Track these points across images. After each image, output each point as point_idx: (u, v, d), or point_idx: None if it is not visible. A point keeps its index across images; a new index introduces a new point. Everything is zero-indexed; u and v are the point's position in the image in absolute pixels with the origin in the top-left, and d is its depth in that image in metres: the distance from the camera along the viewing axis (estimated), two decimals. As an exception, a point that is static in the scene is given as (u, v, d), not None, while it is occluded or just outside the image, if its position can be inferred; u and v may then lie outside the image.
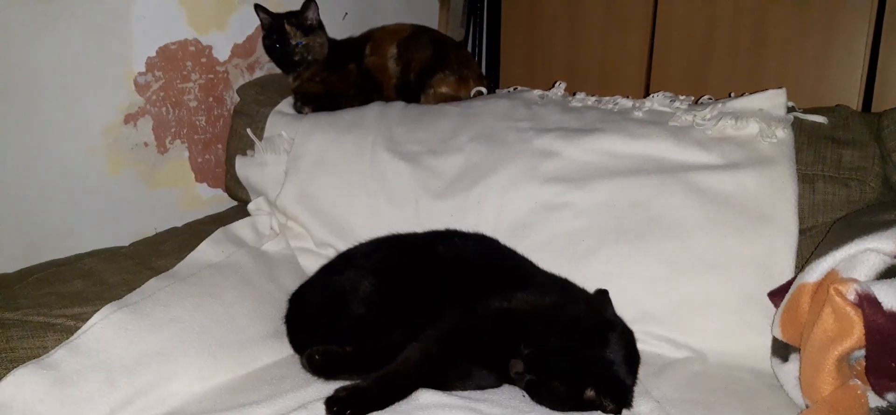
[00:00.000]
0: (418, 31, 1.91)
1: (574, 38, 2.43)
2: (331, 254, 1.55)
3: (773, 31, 2.09)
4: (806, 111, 1.51)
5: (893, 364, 0.97)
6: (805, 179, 1.41)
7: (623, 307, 1.20)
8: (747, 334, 1.30)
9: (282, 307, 1.37)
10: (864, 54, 1.97)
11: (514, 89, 1.88)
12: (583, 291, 1.27)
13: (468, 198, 1.53)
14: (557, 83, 1.80)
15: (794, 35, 2.06)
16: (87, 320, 1.17)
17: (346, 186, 1.62)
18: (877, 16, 1.95)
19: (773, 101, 1.50)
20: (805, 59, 2.06)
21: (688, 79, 2.21)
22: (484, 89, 1.88)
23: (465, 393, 1.11)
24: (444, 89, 1.84)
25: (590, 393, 1.05)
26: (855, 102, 1.99)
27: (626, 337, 1.14)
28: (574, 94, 1.77)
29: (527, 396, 1.10)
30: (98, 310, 1.18)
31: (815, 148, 1.44)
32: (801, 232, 1.37)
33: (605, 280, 1.27)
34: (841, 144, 1.43)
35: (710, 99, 1.64)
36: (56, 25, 1.54)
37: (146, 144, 1.76)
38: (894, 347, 0.96)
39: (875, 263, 1.07)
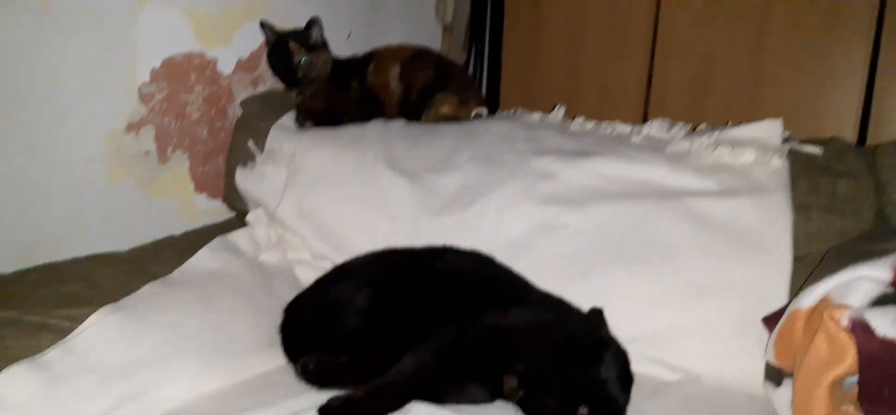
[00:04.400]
0: (421, 53, 1.94)
1: (574, 64, 2.46)
2: (327, 266, 1.54)
3: (770, 64, 2.12)
4: (802, 142, 1.53)
5: (886, 391, 0.97)
6: (800, 208, 1.42)
7: (617, 328, 1.20)
8: (741, 359, 1.30)
9: (277, 317, 1.36)
10: (859, 89, 2.00)
11: (514, 112, 1.90)
12: (578, 310, 1.27)
13: (466, 216, 1.54)
14: (557, 107, 1.82)
15: (791, 68, 2.09)
16: (83, 321, 1.16)
17: (344, 199, 1.63)
18: (873, 51, 1.98)
19: (770, 131, 1.52)
20: (801, 91, 2.09)
21: (685, 108, 2.24)
22: (484, 111, 1.90)
23: (459, 407, 1.11)
24: (444, 110, 1.86)
25: (583, 411, 1.04)
26: (850, 135, 2.01)
27: (621, 356, 1.14)
28: (573, 118, 1.79)
29: (520, 412, 1.10)
30: (94, 312, 1.18)
31: (809, 178, 1.45)
32: (796, 260, 1.37)
33: (600, 301, 1.27)
34: (836, 175, 1.45)
35: (707, 128, 1.66)
36: (63, 34, 1.56)
37: (147, 153, 1.77)
38: (887, 373, 0.97)
39: (869, 290, 1.07)
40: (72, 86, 1.60)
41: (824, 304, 1.10)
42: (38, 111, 1.56)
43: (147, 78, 1.74)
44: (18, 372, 1.05)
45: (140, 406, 1.10)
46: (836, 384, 1.03)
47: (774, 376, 1.19)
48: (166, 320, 1.22)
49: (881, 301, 1.05)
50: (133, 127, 1.73)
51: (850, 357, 1.00)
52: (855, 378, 1.01)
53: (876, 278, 1.08)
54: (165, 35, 1.76)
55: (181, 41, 1.80)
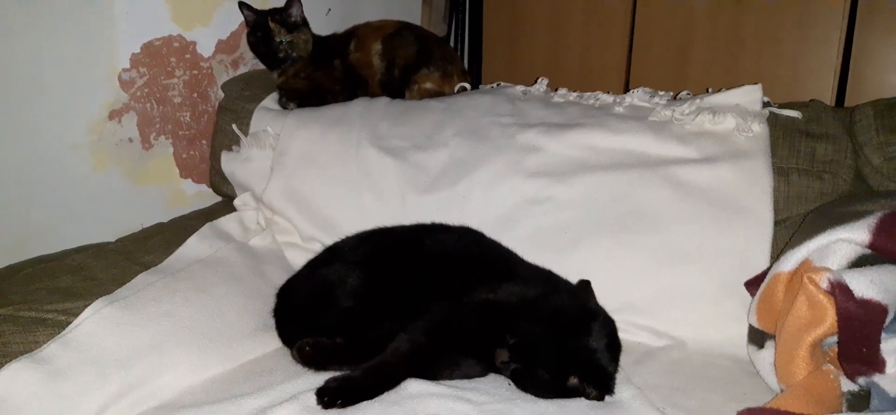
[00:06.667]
0: (402, 28, 1.93)
1: (555, 34, 2.46)
2: (317, 248, 1.56)
3: (749, 29, 2.14)
4: (781, 106, 1.55)
5: (864, 350, 1.01)
6: (780, 172, 1.45)
7: (605, 298, 1.23)
8: (725, 323, 1.34)
9: (270, 301, 1.38)
10: (837, 51, 2.03)
11: (497, 85, 1.90)
12: (566, 283, 1.29)
13: (454, 193, 1.55)
14: (539, 79, 1.83)
15: (770, 32, 2.11)
16: (78, 314, 1.17)
17: (331, 181, 1.64)
18: (850, 13, 2.00)
19: (750, 96, 1.54)
20: (780, 55, 2.11)
21: (667, 75, 2.26)
22: (467, 85, 1.90)
23: (453, 382, 1.14)
24: (428, 85, 1.86)
25: (573, 381, 1.08)
26: (829, 98, 2.04)
27: (609, 326, 1.17)
28: (556, 89, 1.80)
29: (512, 384, 1.13)
30: (88, 305, 1.19)
31: (789, 142, 1.48)
32: (777, 223, 1.41)
33: (588, 272, 1.30)
34: (814, 138, 1.47)
35: (689, 94, 1.67)
36: (40, 21, 1.54)
37: (131, 141, 1.76)
38: (865, 333, 1.00)
39: (847, 252, 1.11)
40: (51, 75, 1.58)
41: (804, 267, 1.14)
42: (17, 102, 1.55)
43: (127, 64, 1.72)
44: (18, 369, 1.06)
45: (141, 396, 1.12)
46: (817, 345, 1.07)
47: (757, 338, 1.23)
48: (161, 310, 1.23)
49: (859, 263, 1.09)
50: (115, 114, 1.72)
51: (829, 318, 1.03)
52: (835, 338, 1.05)
53: (854, 240, 1.11)
54: (143, 18, 1.74)
55: (159, 24, 1.78)
